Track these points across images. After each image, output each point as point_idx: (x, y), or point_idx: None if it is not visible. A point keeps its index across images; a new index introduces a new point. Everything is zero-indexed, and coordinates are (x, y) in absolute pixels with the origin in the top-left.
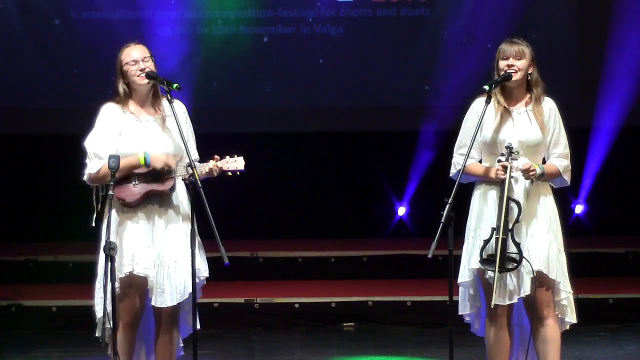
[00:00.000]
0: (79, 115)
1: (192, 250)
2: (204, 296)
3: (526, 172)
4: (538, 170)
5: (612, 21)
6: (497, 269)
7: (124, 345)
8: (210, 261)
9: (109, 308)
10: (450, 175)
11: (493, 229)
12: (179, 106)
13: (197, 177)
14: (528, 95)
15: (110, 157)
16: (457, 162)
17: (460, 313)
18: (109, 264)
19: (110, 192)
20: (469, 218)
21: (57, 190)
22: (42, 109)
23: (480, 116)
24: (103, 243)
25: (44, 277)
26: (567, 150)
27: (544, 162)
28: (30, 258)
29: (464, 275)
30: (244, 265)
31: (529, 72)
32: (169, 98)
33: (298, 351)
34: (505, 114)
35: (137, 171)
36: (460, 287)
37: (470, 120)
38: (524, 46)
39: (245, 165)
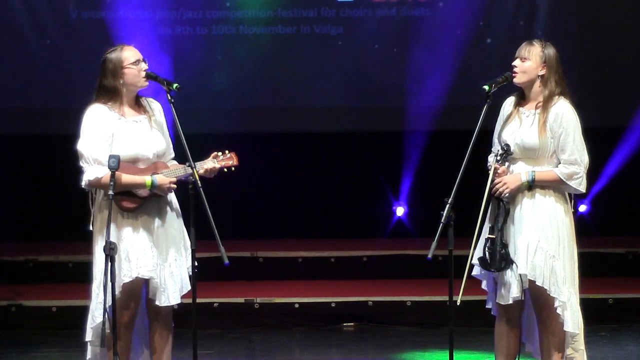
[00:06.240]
0: (79, 115)
1: (192, 249)
2: (204, 296)
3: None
4: (523, 178)
5: None
6: (468, 267)
7: (123, 345)
8: (210, 261)
9: (109, 310)
10: None
11: (491, 228)
12: (156, 105)
13: (197, 177)
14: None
15: (111, 157)
16: (489, 159)
17: (487, 306)
18: (109, 264)
19: (111, 192)
20: None
21: (57, 190)
22: (42, 108)
23: (481, 116)
24: (98, 244)
25: (44, 277)
26: (575, 157)
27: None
28: (30, 258)
29: (476, 270)
30: (244, 265)
31: (540, 74)
32: (169, 98)
33: (298, 351)
34: (516, 114)
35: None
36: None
37: (498, 119)
38: (536, 48)
39: (238, 160)
